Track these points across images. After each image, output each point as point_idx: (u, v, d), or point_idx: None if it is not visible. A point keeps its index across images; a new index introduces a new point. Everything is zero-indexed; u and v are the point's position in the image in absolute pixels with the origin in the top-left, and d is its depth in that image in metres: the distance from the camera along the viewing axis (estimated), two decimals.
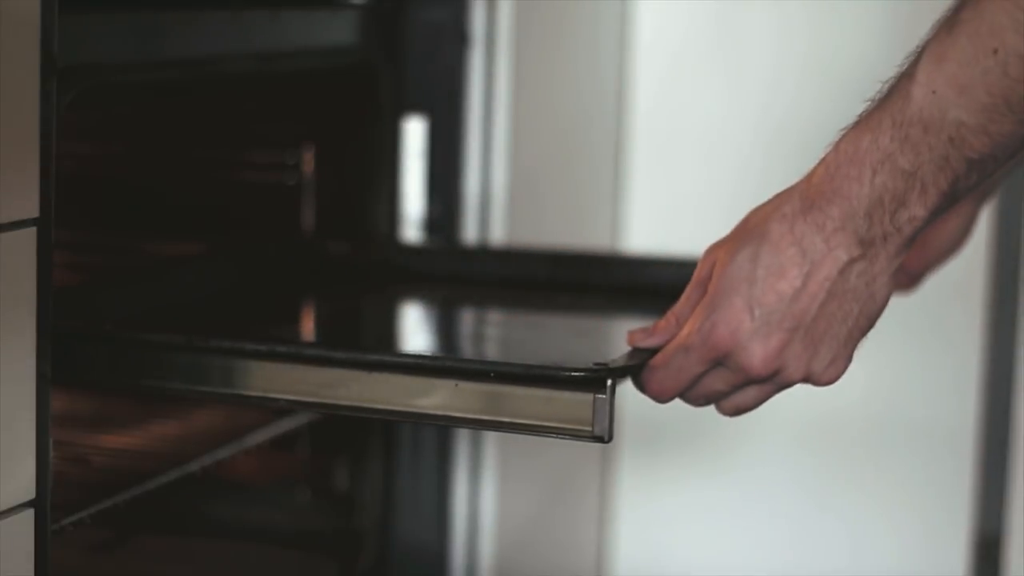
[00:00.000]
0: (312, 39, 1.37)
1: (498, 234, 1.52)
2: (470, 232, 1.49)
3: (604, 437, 1.02)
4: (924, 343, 1.75)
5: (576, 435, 1.03)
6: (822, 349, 1.04)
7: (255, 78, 1.43)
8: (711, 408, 1.87)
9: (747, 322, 1.02)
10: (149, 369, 1.11)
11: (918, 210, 0.99)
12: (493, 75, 1.50)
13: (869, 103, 1.03)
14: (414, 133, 1.48)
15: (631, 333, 1.09)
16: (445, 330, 1.32)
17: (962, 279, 1.72)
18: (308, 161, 1.50)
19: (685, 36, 1.78)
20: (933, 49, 0.97)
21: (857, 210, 1.01)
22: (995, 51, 0.93)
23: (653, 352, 1.07)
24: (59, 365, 1.05)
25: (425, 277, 1.43)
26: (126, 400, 1.41)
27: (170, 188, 1.56)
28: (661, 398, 1.08)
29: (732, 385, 1.06)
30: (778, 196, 1.06)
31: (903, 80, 0.99)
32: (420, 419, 1.06)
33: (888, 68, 1.75)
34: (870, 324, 1.06)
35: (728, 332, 1.03)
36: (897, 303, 1.75)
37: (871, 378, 1.76)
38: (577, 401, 1.02)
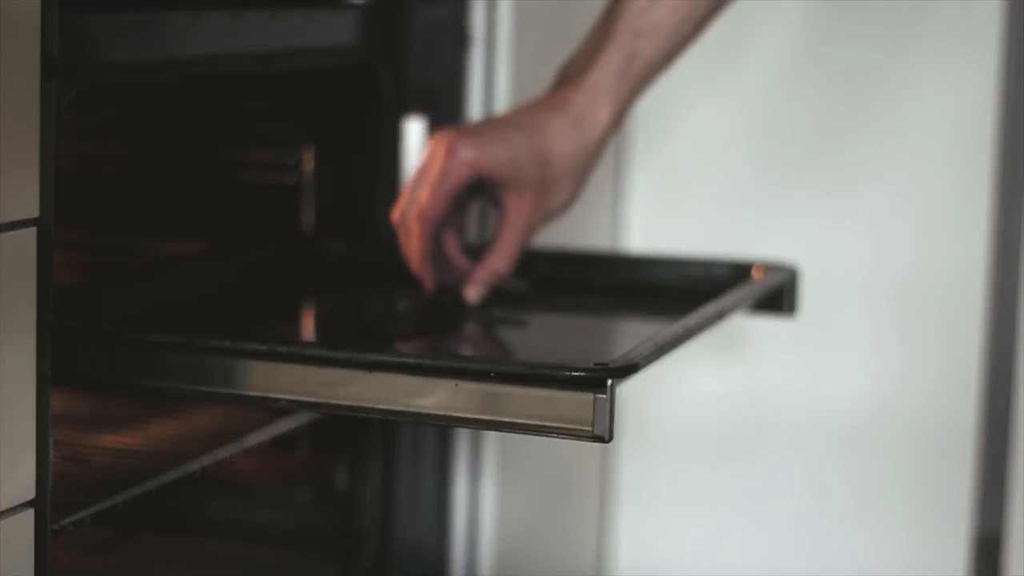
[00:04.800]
0: (312, 39, 1.37)
1: None
2: (470, 232, 1.49)
3: (604, 437, 1.02)
4: (924, 343, 1.75)
5: (576, 435, 1.03)
6: None
7: (255, 78, 1.43)
8: (711, 409, 1.88)
9: None
10: (149, 369, 1.11)
11: None
12: (493, 75, 1.50)
13: None
14: (414, 133, 1.48)
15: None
16: (445, 330, 1.32)
17: (962, 279, 1.72)
18: (308, 161, 1.50)
19: None
20: None
21: None
22: None
23: (657, 349, 1.08)
24: (59, 365, 1.05)
25: None
26: (126, 400, 1.41)
27: (170, 188, 1.56)
28: None
29: None
30: None
31: None
32: (420, 419, 1.06)
33: (888, 68, 1.75)
34: None
35: None
36: (897, 303, 1.75)
37: (871, 378, 1.76)
38: (577, 401, 1.02)
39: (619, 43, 1.32)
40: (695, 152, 1.80)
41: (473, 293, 1.32)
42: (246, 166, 1.53)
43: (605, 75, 1.31)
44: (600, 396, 1.02)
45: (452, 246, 1.33)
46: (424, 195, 1.29)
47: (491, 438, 1.53)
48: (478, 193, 1.32)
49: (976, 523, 1.74)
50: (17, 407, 1.00)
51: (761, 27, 1.76)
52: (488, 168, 1.28)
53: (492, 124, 1.33)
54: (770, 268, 1.38)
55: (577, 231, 1.68)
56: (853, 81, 1.75)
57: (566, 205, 1.33)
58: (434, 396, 1.05)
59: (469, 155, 1.28)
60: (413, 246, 1.30)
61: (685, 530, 1.83)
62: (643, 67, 1.32)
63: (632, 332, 1.32)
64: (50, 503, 1.04)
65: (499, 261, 1.31)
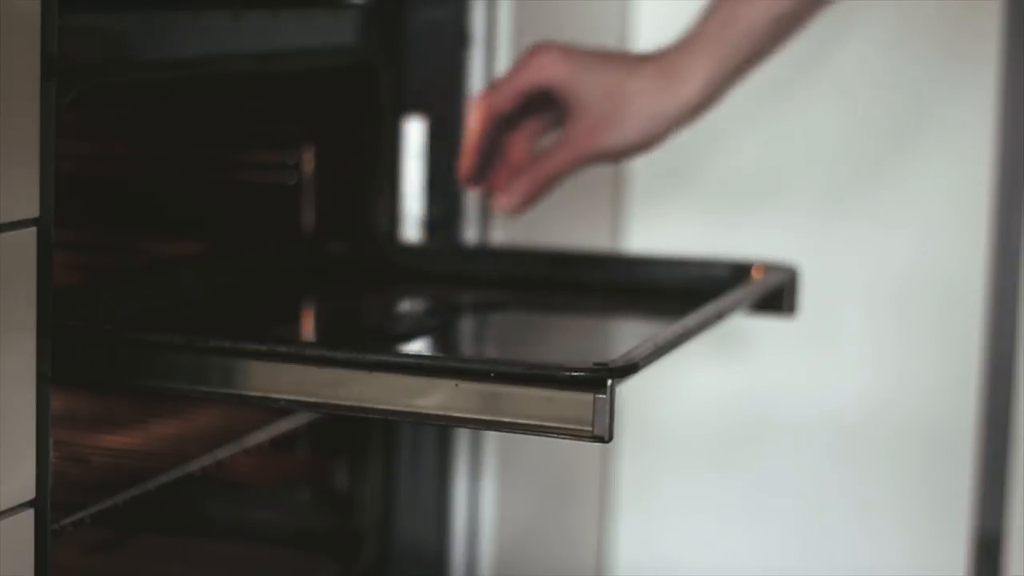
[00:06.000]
0: (312, 39, 1.37)
1: (498, 234, 1.52)
2: (470, 232, 1.49)
3: (604, 437, 1.02)
4: (924, 343, 1.75)
5: (576, 435, 1.03)
6: None
7: (255, 78, 1.43)
8: (711, 409, 1.88)
9: None
10: (149, 369, 1.11)
11: None
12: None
13: None
14: (414, 133, 1.48)
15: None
16: (445, 330, 1.32)
17: (962, 279, 1.72)
18: (308, 161, 1.51)
19: None
20: None
21: None
22: None
23: (657, 349, 1.08)
24: (59, 365, 1.05)
25: (425, 277, 1.43)
26: (126, 400, 1.41)
27: (170, 188, 1.56)
28: None
29: None
30: None
31: None
32: (420, 419, 1.06)
33: (889, 69, 1.75)
34: None
35: None
36: (897, 303, 1.75)
37: (871, 378, 1.76)
38: (577, 401, 1.02)
39: (718, 12, 1.35)
40: (695, 152, 1.80)
41: (504, 202, 1.34)
42: (246, 166, 1.53)
43: (702, 35, 1.34)
44: (600, 396, 1.02)
45: (514, 149, 1.36)
46: (497, 84, 1.35)
47: (491, 438, 1.53)
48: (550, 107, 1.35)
49: (976, 523, 1.74)
50: (17, 407, 1.01)
51: None
52: (556, 79, 1.31)
53: (592, 50, 1.37)
54: (770, 268, 1.38)
55: (576, 231, 1.68)
56: (855, 82, 1.75)
57: (624, 151, 1.35)
58: (434, 396, 1.05)
59: (546, 59, 1.33)
60: (468, 125, 1.36)
61: (685, 530, 1.83)
62: (740, 34, 1.34)
63: (632, 332, 1.32)
64: (50, 503, 1.04)
65: (530, 180, 1.34)
